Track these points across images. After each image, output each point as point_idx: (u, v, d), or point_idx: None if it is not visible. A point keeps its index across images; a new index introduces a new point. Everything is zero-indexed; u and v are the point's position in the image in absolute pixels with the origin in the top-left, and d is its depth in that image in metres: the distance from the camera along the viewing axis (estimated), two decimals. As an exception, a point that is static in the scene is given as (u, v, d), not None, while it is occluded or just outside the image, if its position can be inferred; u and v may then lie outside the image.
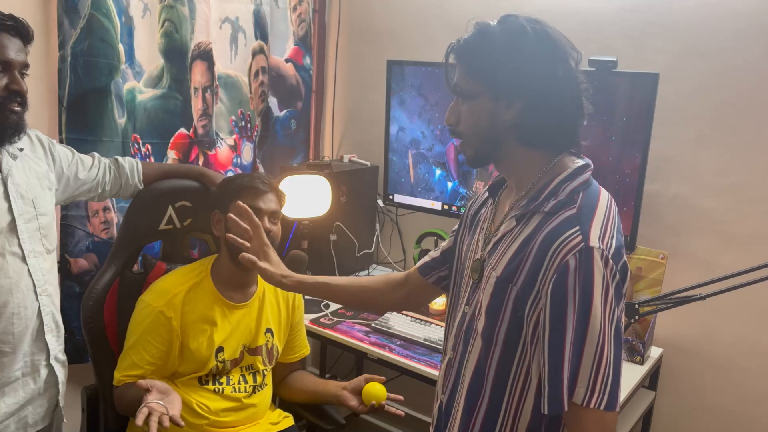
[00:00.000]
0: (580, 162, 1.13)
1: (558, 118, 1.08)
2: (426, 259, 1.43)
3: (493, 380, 1.13)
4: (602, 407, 1.00)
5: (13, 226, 1.43)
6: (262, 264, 1.37)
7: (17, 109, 1.39)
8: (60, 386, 1.59)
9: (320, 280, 1.46)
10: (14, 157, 1.46)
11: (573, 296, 1.00)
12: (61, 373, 1.59)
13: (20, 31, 1.38)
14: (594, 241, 1.01)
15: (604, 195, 1.13)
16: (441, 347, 1.99)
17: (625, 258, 1.06)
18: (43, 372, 1.54)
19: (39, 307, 1.49)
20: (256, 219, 1.40)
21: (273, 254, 1.41)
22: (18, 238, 1.44)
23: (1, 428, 1.46)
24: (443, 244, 1.42)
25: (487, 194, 1.28)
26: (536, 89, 1.06)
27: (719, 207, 2.03)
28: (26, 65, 1.40)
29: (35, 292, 1.48)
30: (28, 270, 1.46)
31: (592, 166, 1.14)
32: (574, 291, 1.00)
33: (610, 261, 1.01)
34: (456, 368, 1.21)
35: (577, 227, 1.03)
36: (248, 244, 1.38)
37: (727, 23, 1.94)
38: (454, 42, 1.14)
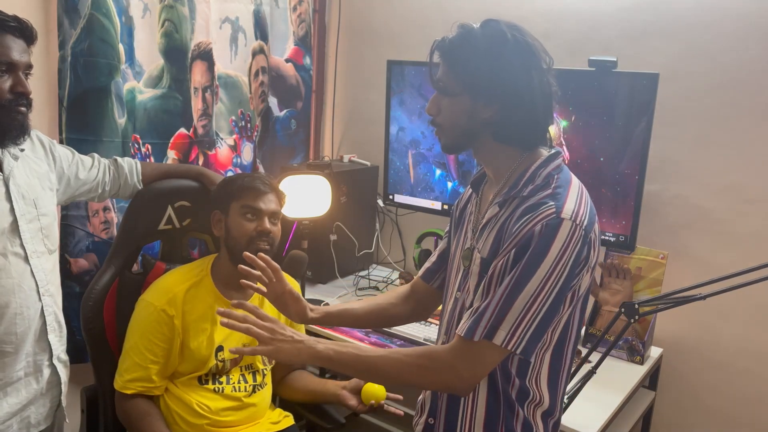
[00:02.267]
0: (551, 150, 1.23)
1: (530, 119, 1.17)
2: (426, 265, 1.50)
3: None
4: (518, 352, 1.11)
5: (15, 227, 1.43)
6: (291, 300, 1.46)
7: (23, 110, 1.39)
8: (62, 386, 1.60)
9: (342, 308, 1.53)
10: (15, 158, 1.46)
11: (529, 252, 1.10)
12: (63, 373, 1.59)
13: (24, 32, 1.38)
14: (566, 214, 1.10)
15: (576, 180, 1.22)
16: (441, 347, 2.00)
17: (595, 234, 1.15)
18: (46, 372, 1.54)
19: (42, 308, 1.49)
20: (274, 263, 1.45)
21: (295, 291, 1.47)
22: (20, 239, 1.44)
23: (3, 428, 1.46)
24: (438, 248, 1.49)
25: (470, 190, 1.38)
26: (512, 93, 1.14)
27: (719, 207, 2.03)
28: (30, 66, 1.40)
29: (38, 292, 1.48)
30: (31, 270, 1.46)
31: (563, 153, 1.24)
32: (532, 248, 1.10)
33: (579, 231, 1.10)
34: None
35: (552, 203, 1.12)
36: (265, 290, 1.44)
37: (727, 23, 1.94)
38: (438, 40, 1.22)
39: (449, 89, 1.19)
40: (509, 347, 1.11)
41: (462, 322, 1.16)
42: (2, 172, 1.43)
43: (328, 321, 1.53)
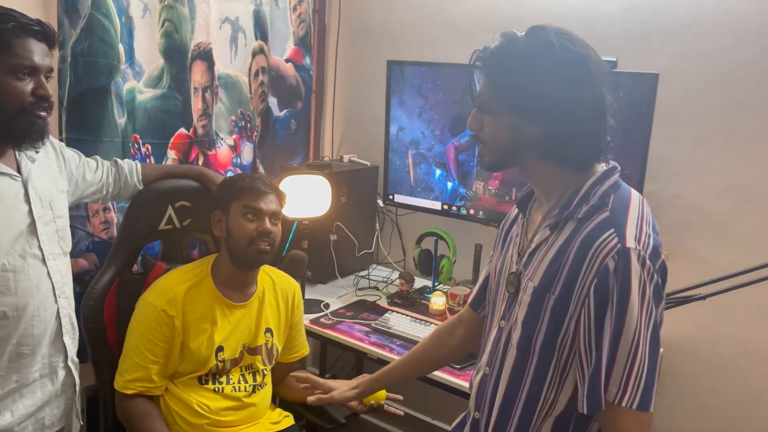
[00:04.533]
0: (605, 167, 1.13)
1: (581, 136, 1.07)
2: (472, 294, 1.45)
3: (529, 389, 1.14)
4: (634, 407, 1.00)
5: (33, 229, 1.43)
6: (329, 396, 1.53)
7: (43, 114, 1.39)
8: (76, 388, 1.60)
9: (386, 369, 1.54)
10: (32, 161, 1.47)
11: (612, 297, 1.01)
12: (76, 374, 1.59)
13: (46, 35, 1.38)
14: (630, 242, 1.02)
15: (635, 195, 1.13)
16: (441, 347, 2.00)
17: (663, 258, 1.06)
18: (61, 373, 1.54)
19: (57, 309, 1.49)
20: (315, 377, 1.60)
21: (332, 382, 1.56)
22: (38, 241, 1.44)
23: (19, 430, 1.46)
24: (483, 274, 1.42)
25: (516, 210, 1.29)
26: (559, 109, 1.05)
27: (719, 207, 2.03)
28: (51, 70, 1.40)
29: (54, 294, 1.48)
30: (48, 272, 1.46)
31: (619, 168, 1.14)
32: (613, 292, 1.01)
33: (647, 262, 1.01)
34: (492, 384, 1.21)
35: (612, 230, 1.04)
36: (313, 398, 1.54)
37: (727, 23, 1.94)
38: (479, 50, 1.11)
39: (489, 107, 1.10)
40: (624, 404, 1.01)
41: (579, 395, 1.07)
42: (21, 174, 1.43)
43: (377, 386, 1.56)
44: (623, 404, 1.00)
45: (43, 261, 1.45)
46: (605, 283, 1.01)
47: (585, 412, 1.05)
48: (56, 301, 1.48)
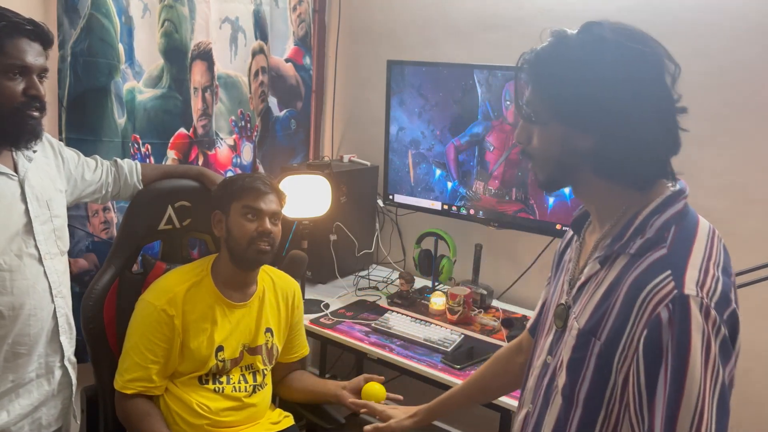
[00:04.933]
0: (671, 189, 0.97)
1: (643, 149, 0.93)
2: (531, 319, 1.33)
3: None
4: None
5: (29, 228, 1.43)
6: (387, 425, 1.47)
7: (35, 114, 1.39)
8: (73, 387, 1.60)
9: (443, 398, 1.47)
10: (29, 160, 1.47)
11: (666, 356, 0.85)
12: (73, 374, 1.59)
13: (40, 35, 1.37)
14: (690, 288, 0.86)
15: (704, 227, 0.96)
16: (440, 347, 2.00)
17: (735, 305, 0.89)
18: (58, 373, 1.54)
19: (54, 309, 1.49)
20: (373, 404, 1.59)
21: (390, 410, 1.51)
22: (34, 240, 1.44)
23: (16, 429, 1.46)
24: (541, 297, 1.28)
25: (571, 232, 1.15)
26: (615, 118, 0.91)
27: (719, 207, 2.03)
28: (45, 70, 1.40)
29: (51, 293, 1.48)
30: (44, 271, 1.46)
31: (687, 192, 0.98)
32: (667, 350, 0.85)
33: (712, 312, 0.85)
34: (533, 425, 1.09)
35: (669, 271, 0.88)
36: (370, 428, 1.48)
37: (727, 23, 1.94)
38: (526, 52, 0.99)
39: (536, 116, 0.97)
40: None
41: None
42: (17, 174, 1.43)
43: (434, 415, 1.47)
44: None
45: (40, 260, 1.45)
46: (658, 336, 0.86)
47: None
48: (53, 301, 1.48)
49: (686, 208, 0.97)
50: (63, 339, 1.53)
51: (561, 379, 1.00)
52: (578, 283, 1.02)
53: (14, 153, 1.43)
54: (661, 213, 0.94)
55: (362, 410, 1.62)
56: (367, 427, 1.47)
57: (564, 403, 1.00)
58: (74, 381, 1.60)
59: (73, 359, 1.59)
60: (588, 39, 0.94)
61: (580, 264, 1.05)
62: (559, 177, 1.01)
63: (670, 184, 0.98)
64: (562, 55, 0.94)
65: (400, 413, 1.49)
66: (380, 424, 1.48)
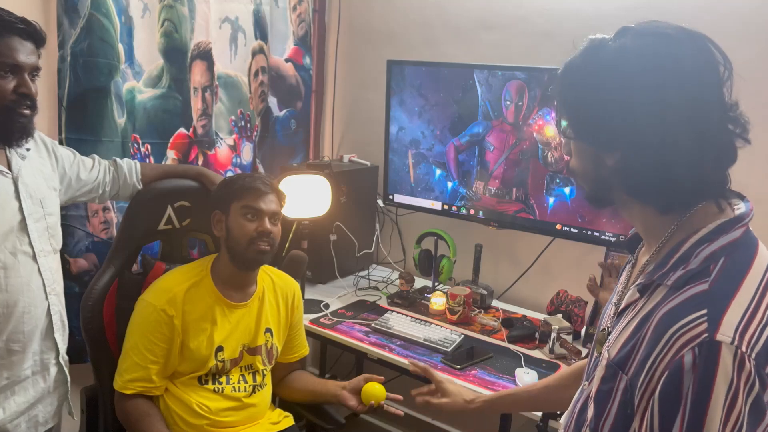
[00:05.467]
0: (729, 214, 0.86)
1: (681, 169, 0.82)
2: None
3: None
4: None
5: (23, 226, 1.44)
6: (438, 401, 1.43)
7: (26, 112, 1.39)
8: (68, 384, 1.61)
9: (504, 394, 1.42)
10: (23, 158, 1.47)
11: (684, 405, 0.75)
12: (66, 371, 1.60)
13: (32, 34, 1.38)
14: (725, 333, 0.75)
15: (762, 261, 0.83)
16: (440, 347, 2.00)
17: None
18: (53, 370, 1.55)
19: (48, 306, 1.50)
20: (431, 370, 1.53)
21: (449, 386, 1.44)
22: (29, 238, 1.45)
23: (12, 427, 1.47)
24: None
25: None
26: (639, 133, 0.82)
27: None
28: (37, 68, 1.40)
29: (45, 291, 1.49)
30: (38, 269, 1.47)
31: (747, 217, 0.86)
32: (686, 396, 0.75)
33: (748, 364, 0.74)
34: None
35: (705, 310, 0.77)
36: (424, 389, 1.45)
37: (727, 23, 1.94)
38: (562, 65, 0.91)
39: (565, 131, 0.92)
40: None
41: None
42: (11, 172, 1.43)
43: (492, 408, 1.42)
44: None
45: (34, 258, 1.46)
46: (678, 382, 0.76)
47: None
48: (47, 298, 1.49)
49: (744, 237, 0.84)
50: (57, 336, 1.53)
51: (590, 411, 0.93)
52: (618, 309, 0.94)
53: (7, 151, 1.44)
54: (711, 242, 0.83)
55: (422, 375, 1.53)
56: (416, 394, 1.45)
57: None
58: (68, 378, 1.60)
59: (66, 357, 1.59)
60: (621, 46, 0.86)
61: (628, 287, 0.95)
62: (599, 194, 0.94)
63: (728, 209, 0.86)
64: (592, 63, 0.87)
65: (458, 393, 1.43)
66: (433, 399, 1.44)
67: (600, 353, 0.94)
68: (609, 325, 0.96)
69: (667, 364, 0.77)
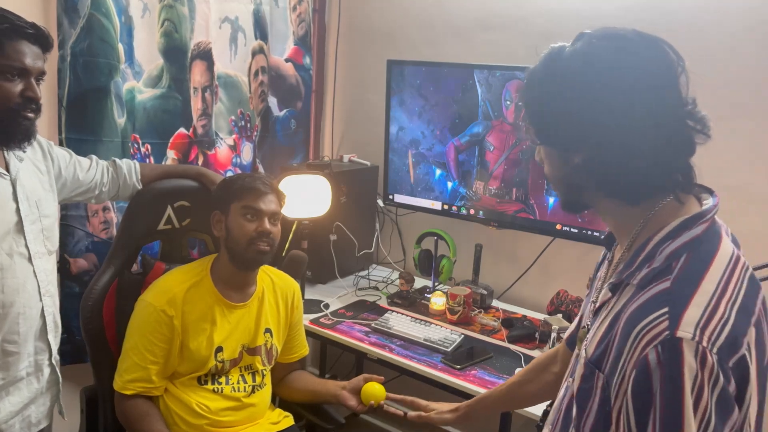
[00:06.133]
0: (695, 209, 0.88)
1: (641, 162, 0.85)
2: (569, 330, 1.28)
3: None
4: None
5: (20, 227, 1.44)
6: (427, 416, 1.50)
7: (30, 115, 1.40)
8: (59, 385, 1.61)
9: (480, 397, 1.50)
10: (21, 160, 1.48)
11: (655, 403, 0.77)
12: (58, 371, 1.60)
13: (40, 39, 1.39)
14: (686, 329, 0.77)
15: (724, 256, 0.85)
16: (440, 347, 2.00)
17: (744, 351, 0.78)
18: (46, 371, 1.55)
19: (42, 308, 1.50)
20: (419, 400, 1.57)
21: (431, 404, 1.52)
22: (25, 239, 1.45)
23: (6, 427, 1.47)
24: (581, 311, 1.20)
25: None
26: (602, 134, 0.85)
27: (719, 207, 2.03)
28: (43, 73, 1.41)
29: (39, 292, 1.49)
30: (34, 271, 1.47)
31: (710, 213, 0.88)
32: (657, 395, 0.77)
33: (710, 358, 0.75)
34: None
35: (666, 308, 0.79)
36: (414, 415, 1.53)
37: (727, 23, 1.94)
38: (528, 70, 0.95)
39: (530, 136, 0.95)
40: None
41: None
42: (9, 173, 1.44)
43: (473, 413, 1.47)
44: None
45: (30, 260, 1.46)
46: (646, 380, 0.78)
47: None
48: (41, 300, 1.49)
49: (707, 233, 0.86)
50: (50, 337, 1.54)
51: (574, 410, 0.94)
52: (596, 307, 0.96)
53: (6, 153, 1.44)
54: (674, 239, 0.85)
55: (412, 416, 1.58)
56: (411, 414, 1.52)
57: None
58: (60, 378, 1.61)
59: (57, 357, 1.60)
60: (568, 55, 0.88)
61: (603, 285, 0.98)
62: (572, 198, 0.97)
63: (693, 206, 0.89)
64: (543, 75, 0.90)
65: (442, 406, 1.51)
66: (423, 413, 1.52)
67: (579, 353, 0.96)
68: (588, 323, 0.98)
69: (634, 363, 0.79)
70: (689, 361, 0.75)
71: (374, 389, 1.74)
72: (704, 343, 0.76)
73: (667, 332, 0.77)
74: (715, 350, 0.76)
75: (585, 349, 0.92)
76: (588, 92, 0.85)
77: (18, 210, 1.43)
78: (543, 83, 0.90)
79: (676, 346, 0.76)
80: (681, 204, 0.88)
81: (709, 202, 0.90)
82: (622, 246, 0.94)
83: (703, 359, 0.75)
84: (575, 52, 0.87)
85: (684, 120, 0.87)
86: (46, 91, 1.83)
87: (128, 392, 1.67)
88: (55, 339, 1.56)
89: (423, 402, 1.55)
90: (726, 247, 0.87)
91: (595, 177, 0.89)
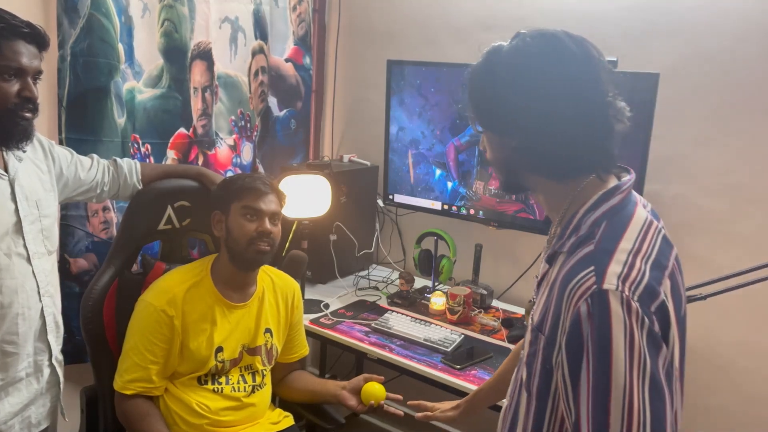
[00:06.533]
0: (609, 184, 1.00)
1: (568, 144, 0.96)
2: None
3: None
4: None
5: (19, 228, 1.44)
6: (432, 415, 1.55)
7: (28, 115, 1.40)
8: (60, 386, 1.60)
9: (476, 390, 1.56)
10: (20, 160, 1.47)
11: (587, 349, 0.87)
12: (60, 372, 1.59)
13: (36, 38, 1.38)
14: (610, 282, 0.88)
15: (639, 220, 0.98)
16: (440, 347, 2.01)
17: (663, 298, 0.90)
18: (46, 372, 1.55)
19: (42, 308, 1.50)
20: (416, 402, 1.60)
21: (435, 405, 1.56)
22: (23, 240, 1.45)
23: (5, 428, 1.47)
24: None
25: None
26: (533, 119, 0.96)
27: (719, 207, 2.03)
28: (40, 72, 1.41)
29: (38, 292, 1.49)
30: (33, 271, 1.47)
31: (626, 185, 1.00)
32: (587, 342, 0.87)
33: (634, 304, 0.86)
34: (510, 419, 1.12)
35: (592, 267, 0.91)
36: (421, 415, 1.57)
37: (728, 23, 1.94)
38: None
39: (476, 125, 1.06)
40: None
41: None
42: (7, 174, 1.43)
43: (472, 408, 1.54)
44: None
45: (28, 260, 1.46)
46: (578, 330, 0.88)
47: None
48: (40, 300, 1.49)
49: (623, 202, 0.99)
50: (51, 338, 1.54)
51: (523, 373, 1.06)
52: (538, 281, 1.08)
53: (4, 153, 1.44)
54: (596, 209, 0.98)
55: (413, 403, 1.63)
56: (419, 415, 1.56)
57: (527, 395, 1.05)
58: (62, 379, 1.60)
59: (60, 358, 1.60)
60: (515, 47, 0.99)
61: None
62: (511, 180, 1.07)
63: (609, 182, 1.00)
64: (484, 69, 1.01)
65: (444, 405, 1.56)
66: (429, 413, 1.56)
67: (527, 323, 1.09)
68: (534, 297, 1.09)
69: (569, 317, 0.90)
70: (615, 309, 0.86)
71: (374, 389, 1.74)
72: (626, 292, 0.87)
73: (594, 286, 0.88)
74: (636, 297, 0.87)
75: (531, 318, 1.04)
76: (521, 84, 0.96)
77: (17, 210, 1.43)
78: (484, 76, 1.01)
79: (603, 297, 0.87)
80: (602, 181, 1.00)
81: (626, 177, 1.02)
82: (554, 222, 1.06)
83: (628, 306, 0.86)
84: (511, 49, 0.99)
85: (604, 110, 0.97)
86: (46, 91, 1.84)
87: (128, 392, 1.67)
88: (56, 340, 1.56)
89: (429, 404, 1.59)
90: (640, 214, 0.99)
91: (529, 159, 1.00)
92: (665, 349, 0.88)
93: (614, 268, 0.89)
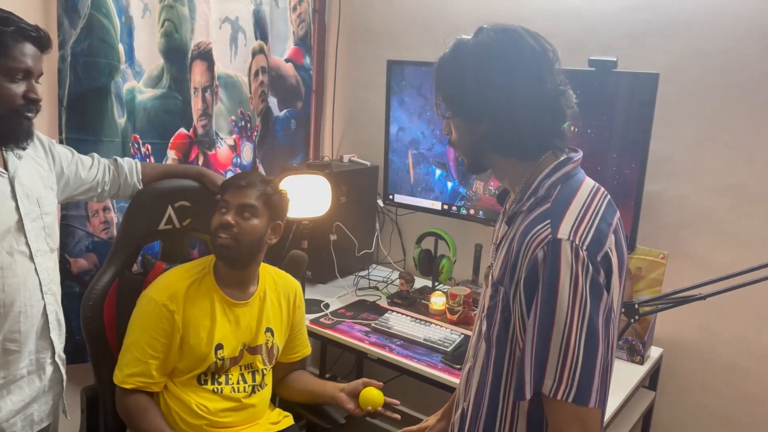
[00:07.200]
0: (562, 156, 1.14)
1: (529, 128, 1.10)
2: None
3: (492, 379, 1.15)
4: (570, 400, 0.99)
5: (20, 226, 1.44)
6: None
7: (31, 115, 1.42)
8: (63, 384, 1.61)
9: (452, 396, 1.51)
10: (19, 158, 1.48)
11: (539, 287, 1.01)
12: (62, 370, 1.60)
13: (41, 41, 1.41)
14: (563, 233, 1.02)
15: (587, 186, 1.14)
16: (440, 347, 2.01)
17: (607, 249, 1.04)
18: (48, 370, 1.55)
19: (44, 306, 1.50)
20: (393, 415, 1.68)
21: (422, 424, 1.54)
22: (25, 237, 1.45)
23: (7, 426, 1.47)
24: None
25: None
26: (497, 105, 1.08)
27: (719, 207, 2.03)
28: (41, 74, 1.44)
29: (41, 290, 1.49)
30: (35, 269, 1.48)
31: (577, 158, 1.15)
32: (540, 282, 1.01)
33: (582, 253, 1.00)
34: (470, 374, 1.23)
35: (548, 220, 1.05)
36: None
37: (727, 23, 1.94)
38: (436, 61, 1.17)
39: (443, 112, 1.18)
40: (559, 396, 1.00)
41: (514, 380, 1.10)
42: (7, 172, 1.44)
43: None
44: (559, 396, 1.00)
45: (31, 258, 1.46)
46: (534, 273, 1.02)
47: (512, 398, 1.10)
48: (43, 298, 1.50)
49: (574, 171, 1.13)
50: (53, 336, 1.54)
51: (483, 327, 1.17)
52: (496, 244, 1.20)
53: (4, 151, 1.45)
54: (551, 176, 1.11)
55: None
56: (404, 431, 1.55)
57: (486, 346, 1.17)
58: (64, 377, 1.61)
59: (63, 356, 1.60)
60: (478, 41, 1.11)
61: (501, 226, 1.23)
62: (476, 161, 1.19)
63: (562, 155, 1.14)
64: (456, 60, 1.13)
65: (430, 420, 1.53)
66: (413, 428, 1.53)
67: (487, 285, 1.19)
68: (492, 261, 1.20)
69: (527, 263, 1.03)
70: (566, 256, 1.00)
71: (372, 395, 1.74)
72: (576, 242, 1.01)
73: (550, 236, 1.02)
74: (584, 247, 1.01)
75: (492, 275, 1.16)
76: (488, 75, 1.08)
77: (18, 208, 1.44)
78: (453, 67, 1.13)
79: (556, 245, 1.01)
80: (556, 157, 1.14)
81: (576, 154, 1.16)
82: (514, 193, 1.19)
83: (577, 254, 1.00)
84: (476, 43, 1.11)
85: (558, 97, 1.11)
86: (47, 91, 1.84)
87: (128, 386, 1.67)
88: (59, 337, 1.56)
89: (414, 428, 1.55)
90: (588, 182, 1.15)
91: (495, 142, 1.13)
92: (606, 296, 1.03)
93: (567, 222, 1.04)
